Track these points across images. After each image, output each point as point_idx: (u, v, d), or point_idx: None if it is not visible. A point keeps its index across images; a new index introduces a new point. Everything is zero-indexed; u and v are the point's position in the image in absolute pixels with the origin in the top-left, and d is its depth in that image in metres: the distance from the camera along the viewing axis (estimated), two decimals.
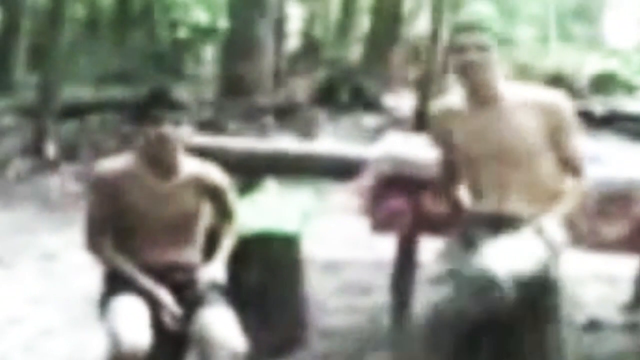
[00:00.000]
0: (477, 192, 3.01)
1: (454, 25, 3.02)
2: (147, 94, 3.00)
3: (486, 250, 2.72)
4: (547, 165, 2.91)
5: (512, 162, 2.88)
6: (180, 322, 2.87)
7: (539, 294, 2.80)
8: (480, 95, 2.91)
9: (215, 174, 3.10)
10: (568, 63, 12.18)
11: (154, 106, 2.91)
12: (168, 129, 2.89)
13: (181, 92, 3.04)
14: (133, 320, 2.75)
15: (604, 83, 11.20)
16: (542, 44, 15.13)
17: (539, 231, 2.79)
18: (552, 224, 2.82)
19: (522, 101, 2.89)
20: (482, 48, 2.85)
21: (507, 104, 2.90)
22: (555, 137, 2.88)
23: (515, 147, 2.88)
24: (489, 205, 2.94)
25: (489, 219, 2.92)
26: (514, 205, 2.89)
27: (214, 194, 3.10)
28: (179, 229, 3.02)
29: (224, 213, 3.16)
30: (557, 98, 2.91)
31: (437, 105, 3.20)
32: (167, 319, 2.86)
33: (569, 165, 2.93)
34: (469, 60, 2.85)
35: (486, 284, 2.58)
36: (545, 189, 2.91)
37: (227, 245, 3.14)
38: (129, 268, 2.93)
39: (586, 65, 12.13)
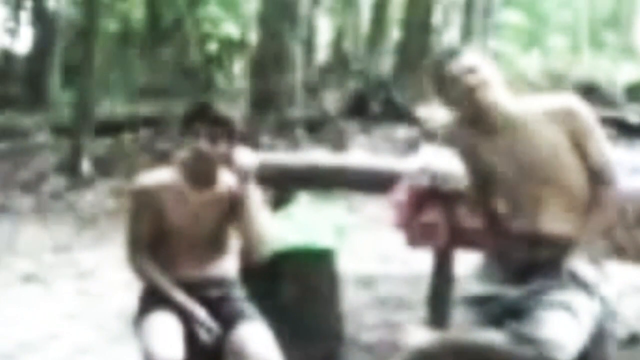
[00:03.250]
0: (511, 212, 2.87)
1: (433, 61, 2.88)
2: (190, 108, 3.00)
3: (543, 326, 2.57)
4: (576, 176, 2.76)
5: (541, 179, 2.74)
6: (215, 338, 2.86)
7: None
8: (489, 118, 2.75)
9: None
10: (601, 72, 12.06)
11: (195, 120, 2.91)
12: (208, 145, 2.88)
13: (226, 108, 3.02)
14: (166, 336, 2.76)
15: (638, 92, 11.06)
16: (574, 53, 15.01)
17: (574, 279, 2.67)
18: (584, 264, 2.70)
19: (534, 114, 2.75)
20: (473, 70, 2.71)
21: (520, 121, 2.75)
22: (576, 142, 2.72)
23: (540, 164, 2.73)
24: (524, 224, 2.80)
25: (524, 238, 2.80)
26: (549, 223, 2.76)
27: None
28: (215, 242, 3.02)
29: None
30: (569, 102, 2.75)
31: (445, 131, 3.07)
32: (202, 335, 2.85)
33: (595, 171, 2.75)
34: (467, 87, 2.70)
35: None
36: (578, 201, 2.77)
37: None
38: (166, 283, 2.92)
39: (619, 73, 12.01)
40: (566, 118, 2.71)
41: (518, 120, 2.76)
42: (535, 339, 2.52)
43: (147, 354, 2.71)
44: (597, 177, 2.75)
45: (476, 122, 2.79)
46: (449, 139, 3.00)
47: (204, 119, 2.91)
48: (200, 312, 2.88)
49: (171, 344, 2.73)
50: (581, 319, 2.62)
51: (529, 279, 2.74)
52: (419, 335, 2.84)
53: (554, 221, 2.76)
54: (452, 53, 2.79)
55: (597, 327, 2.70)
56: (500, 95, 2.75)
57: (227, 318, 2.90)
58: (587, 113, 2.74)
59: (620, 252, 3.21)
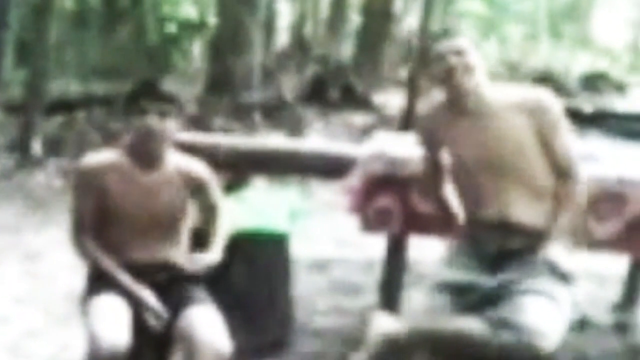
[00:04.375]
0: (477, 199, 2.90)
1: (428, 35, 2.98)
2: (135, 86, 2.97)
3: (522, 311, 2.60)
4: (540, 168, 2.82)
5: (505, 168, 2.80)
6: (163, 322, 2.82)
7: None
8: (465, 103, 2.84)
9: (200, 168, 3.06)
10: (558, 61, 12.22)
11: (142, 98, 2.89)
12: (155, 121, 2.86)
13: (170, 86, 3.00)
14: (112, 320, 2.71)
15: (593, 82, 11.23)
16: (532, 42, 15.16)
17: (553, 269, 2.72)
18: (562, 255, 2.75)
19: (507, 104, 2.82)
20: (460, 53, 2.80)
21: (492, 109, 2.82)
22: (543, 135, 2.79)
23: (505, 153, 2.80)
24: (491, 212, 2.84)
25: (493, 226, 2.84)
26: (516, 211, 2.80)
27: (199, 189, 3.05)
28: (164, 225, 2.97)
29: (209, 208, 3.11)
30: (541, 96, 2.84)
31: (425, 105, 3.14)
32: (150, 319, 2.82)
33: (560, 165, 2.83)
34: (449, 67, 2.79)
35: (525, 355, 2.54)
36: (542, 192, 2.82)
37: (220, 237, 3.07)
38: (112, 266, 2.88)
39: (576, 63, 12.18)
40: (536, 111, 2.78)
41: (489, 108, 2.82)
42: (515, 324, 2.54)
43: (92, 338, 2.67)
44: (563, 172, 2.82)
45: (452, 104, 2.87)
46: (427, 116, 3.04)
47: (151, 96, 2.88)
48: (149, 297, 2.84)
49: (117, 328, 2.69)
50: (562, 307, 2.65)
51: (502, 267, 2.78)
52: (385, 323, 2.83)
53: (521, 210, 2.81)
54: (447, 34, 2.83)
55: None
56: (480, 84, 2.82)
57: (176, 302, 2.86)
58: (557, 109, 2.81)
59: (574, 239, 3.23)
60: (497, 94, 2.85)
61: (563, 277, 2.72)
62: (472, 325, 2.61)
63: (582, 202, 2.92)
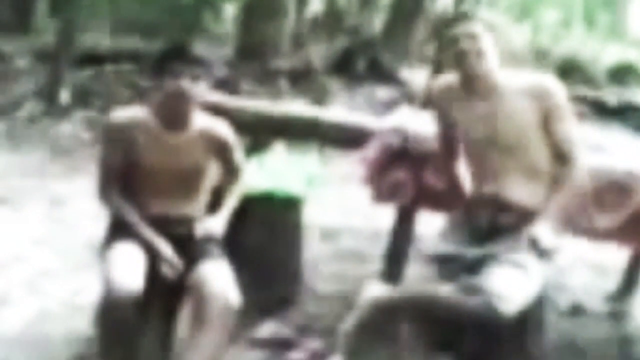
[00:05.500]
0: (478, 176, 3.05)
1: (443, 19, 3.06)
2: (167, 48, 3.04)
3: (492, 279, 2.72)
4: (540, 151, 2.92)
5: (508, 149, 2.91)
6: (178, 274, 2.93)
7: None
8: (475, 85, 2.93)
9: (223, 130, 3.13)
10: (588, 50, 12.09)
11: (174, 60, 2.95)
12: (187, 84, 2.93)
13: (200, 47, 3.07)
14: (128, 266, 2.82)
15: (621, 74, 11.10)
16: (565, 29, 15.00)
17: (533, 245, 2.81)
18: (545, 233, 2.83)
19: (514, 88, 2.91)
20: (473, 37, 2.88)
21: (500, 92, 2.91)
22: (547, 120, 2.89)
23: (509, 134, 2.90)
24: (488, 189, 2.97)
25: (488, 203, 2.96)
26: (512, 190, 2.91)
27: (221, 150, 3.14)
28: (186, 182, 3.07)
29: (229, 170, 3.21)
30: (548, 82, 2.92)
31: (438, 83, 3.19)
32: (165, 270, 2.92)
33: (560, 148, 2.91)
34: (462, 50, 2.87)
35: (488, 318, 2.64)
36: (540, 174, 2.93)
37: (231, 202, 3.18)
38: (134, 217, 2.98)
39: (606, 54, 12.03)
40: (541, 96, 2.87)
41: (498, 91, 2.91)
42: (482, 289, 2.65)
43: (107, 282, 2.77)
44: (562, 156, 2.90)
45: (464, 85, 2.96)
46: (440, 91, 3.12)
47: (185, 59, 2.95)
48: (166, 249, 2.94)
49: (132, 274, 2.79)
50: (531, 278, 2.75)
51: (489, 241, 2.88)
52: (376, 289, 2.95)
53: (516, 190, 2.91)
54: (462, 16, 2.97)
55: (542, 292, 2.84)
56: (492, 68, 2.90)
57: (191, 256, 2.96)
58: (562, 95, 2.90)
59: (573, 226, 3.31)
60: (506, 78, 2.93)
61: (542, 253, 2.81)
62: (447, 291, 2.73)
63: (576, 189, 2.98)
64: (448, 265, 2.89)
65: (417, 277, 3.01)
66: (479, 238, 2.92)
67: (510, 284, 2.70)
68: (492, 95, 2.93)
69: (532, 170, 2.92)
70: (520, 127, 2.90)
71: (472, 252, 2.87)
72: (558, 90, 2.91)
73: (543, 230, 2.83)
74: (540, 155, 2.93)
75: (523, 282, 2.74)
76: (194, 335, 2.86)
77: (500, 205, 2.92)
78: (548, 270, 2.85)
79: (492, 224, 2.93)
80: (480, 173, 3.03)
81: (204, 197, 3.16)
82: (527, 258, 2.79)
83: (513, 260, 2.77)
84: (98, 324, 2.79)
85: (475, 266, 2.81)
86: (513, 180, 2.92)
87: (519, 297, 2.70)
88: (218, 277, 2.90)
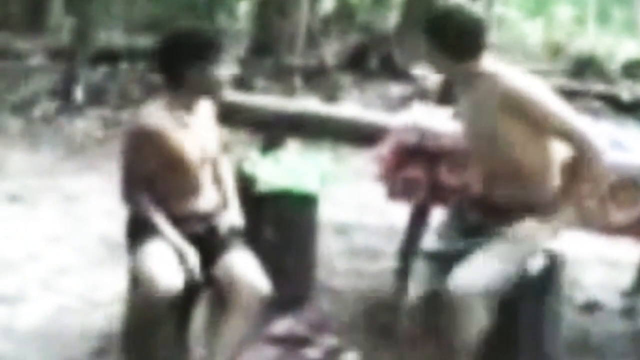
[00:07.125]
0: (473, 174, 3.06)
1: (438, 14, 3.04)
2: (201, 34, 2.95)
3: (463, 266, 2.79)
4: (534, 151, 2.81)
5: (496, 151, 2.82)
6: (195, 281, 2.90)
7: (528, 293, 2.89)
8: (469, 82, 2.87)
9: (209, 106, 3.09)
10: (602, 46, 12.03)
11: (213, 48, 2.89)
12: (223, 72, 2.92)
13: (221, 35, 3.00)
14: (168, 264, 2.82)
15: (635, 69, 11.03)
16: (580, 25, 14.94)
17: (515, 238, 2.81)
18: (534, 226, 2.81)
19: (490, 88, 2.78)
20: None
21: (481, 91, 2.81)
22: (529, 117, 2.73)
23: (484, 137, 2.84)
24: (478, 188, 2.98)
25: (478, 201, 2.97)
26: (500, 192, 2.88)
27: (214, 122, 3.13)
28: (205, 168, 3.03)
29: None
30: (509, 83, 2.75)
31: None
32: (185, 274, 2.87)
33: (563, 137, 2.76)
34: None
35: None
36: (531, 174, 2.84)
37: (234, 193, 3.18)
38: (161, 220, 2.94)
39: (621, 50, 11.97)
40: (509, 101, 2.72)
41: (480, 89, 2.82)
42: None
43: (147, 280, 2.75)
44: (571, 141, 2.74)
45: (459, 82, 2.97)
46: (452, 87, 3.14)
47: (218, 47, 2.91)
48: (193, 258, 2.90)
49: (173, 271, 2.79)
50: (504, 269, 2.77)
51: (477, 238, 2.90)
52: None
53: (504, 192, 2.87)
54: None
55: (538, 282, 2.87)
56: (488, 67, 2.83)
57: (214, 251, 2.96)
58: (529, 88, 2.75)
59: (589, 221, 3.30)
60: (491, 75, 2.80)
61: (524, 246, 2.82)
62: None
63: (602, 181, 2.89)
64: (438, 261, 2.92)
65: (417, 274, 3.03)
66: (467, 235, 2.94)
67: (474, 269, 2.75)
68: (475, 92, 2.85)
69: (519, 173, 2.83)
70: (494, 130, 2.78)
71: (458, 244, 2.91)
72: (521, 85, 2.75)
73: (532, 226, 2.79)
74: (529, 157, 2.81)
75: (490, 269, 2.76)
76: (225, 321, 2.88)
77: (488, 204, 2.92)
78: (540, 260, 2.87)
79: (480, 223, 2.93)
80: (474, 171, 3.05)
81: (212, 188, 3.13)
82: (506, 249, 2.80)
83: (490, 249, 2.80)
84: (130, 319, 2.81)
85: (460, 258, 2.84)
86: (499, 183, 2.88)
87: (479, 283, 2.73)
88: (246, 266, 2.92)
